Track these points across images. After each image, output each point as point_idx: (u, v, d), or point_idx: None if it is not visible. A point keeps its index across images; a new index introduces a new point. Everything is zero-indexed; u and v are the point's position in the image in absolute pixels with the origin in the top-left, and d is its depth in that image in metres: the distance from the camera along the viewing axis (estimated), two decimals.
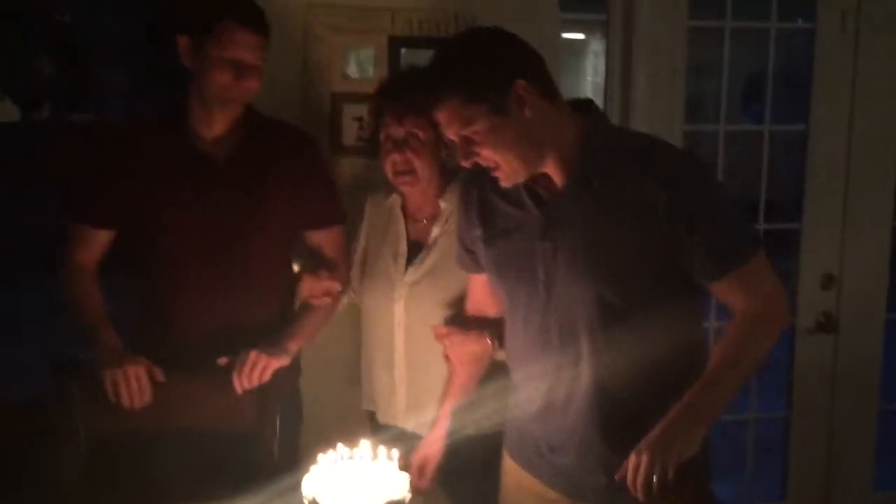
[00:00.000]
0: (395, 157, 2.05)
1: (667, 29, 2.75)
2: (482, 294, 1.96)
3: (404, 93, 2.04)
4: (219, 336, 2.03)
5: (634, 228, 1.62)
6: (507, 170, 1.64)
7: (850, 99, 2.86)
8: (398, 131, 2.04)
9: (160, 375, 1.91)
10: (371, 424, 2.26)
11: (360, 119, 2.48)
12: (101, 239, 2.09)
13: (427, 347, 2.11)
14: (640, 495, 1.49)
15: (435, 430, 2.07)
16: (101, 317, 2.03)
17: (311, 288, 2.07)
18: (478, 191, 1.81)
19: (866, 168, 2.90)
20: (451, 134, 1.64)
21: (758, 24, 2.91)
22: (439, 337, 1.99)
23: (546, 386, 1.75)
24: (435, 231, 2.13)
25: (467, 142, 1.62)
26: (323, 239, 2.17)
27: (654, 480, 1.47)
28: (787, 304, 1.72)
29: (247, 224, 2.05)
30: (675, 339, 1.68)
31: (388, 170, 2.09)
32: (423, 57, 2.50)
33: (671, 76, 2.78)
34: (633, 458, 1.51)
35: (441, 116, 1.63)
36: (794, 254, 2.94)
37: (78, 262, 2.09)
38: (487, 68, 1.59)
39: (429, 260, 2.12)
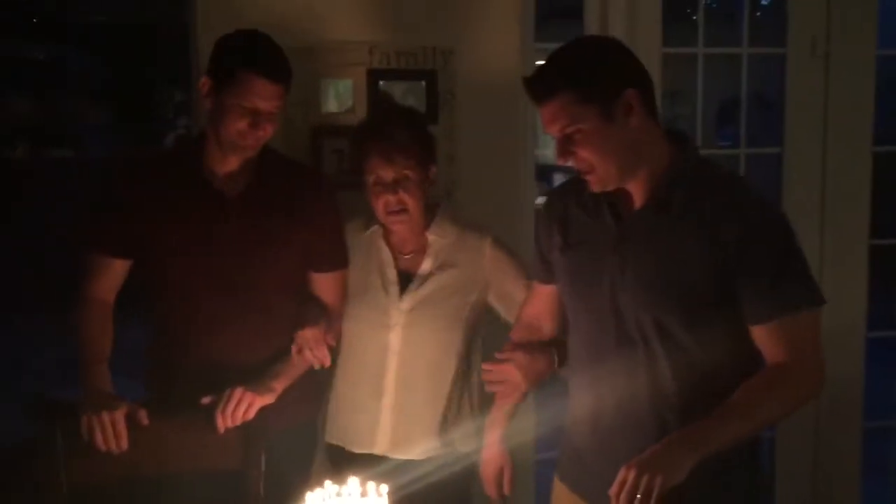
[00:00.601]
0: (389, 198, 2.06)
1: (641, 56, 2.77)
2: (542, 307, 1.96)
3: (388, 131, 2.05)
4: (226, 366, 2.02)
5: (703, 258, 1.62)
6: (601, 173, 1.66)
7: (822, 121, 2.90)
8: (388, 173, 2.05)
9: (145, 419, 1.88)
10: (341, 456, 2.21)
11: (339, 151, 2.49)
12: (117, 269, 2.09)
13: (417, 373, 2.12)
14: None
15: (491, 435, 2.03)
16: (101, 356, 2.02)
17: (310, 339, 2.03)
18: (562, 203, 1.84)
19: (842, 188, 2.94)
20: (554, 130, 1.65)
21: (730, 50, 2.96)
22: (503, 357, 1.95)
23: (601, 400, 1.75)
24: (427, 264, 2.15)
25: (568, 140, 1.64)
26: (327, 282, 2.17)
27: (637, 498, 1.47)
28: (823, 369, 1.67)
29: (257, 259, 2.05)
30: (736, 361, 1.67)
31: (380, 210, 2.10)
32: (399, 90, 2.55)
33: None
34: (622, 473, 1.52)
35: (549, 109, 1.64)
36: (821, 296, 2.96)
37: (94, 294, 2.08)
38: (604, 72, 1.63)
39: (426, 287, 2.13)
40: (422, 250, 2.16)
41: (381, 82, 2.54)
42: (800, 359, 1.62)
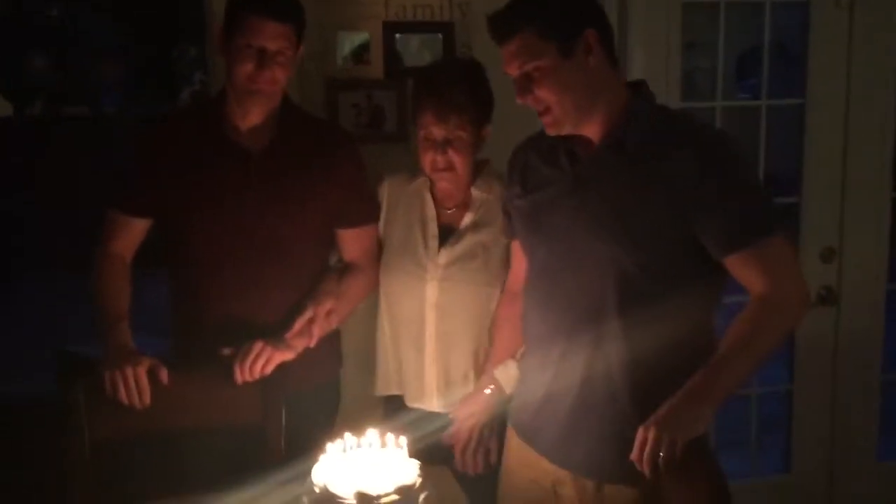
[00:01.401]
0: (437, 157, 2.05)
1: (662, 6, 2.75)
2: (519, 266, 1.97)
3: (446, 88, 2.02)
4: (250, 324, 2.03)
5: (660, 197, 1.64)
6: (558, 113, 1.68)
7: (846, 72, 2.85)
8: (439, 132, 2.03)
9: (165, 377, 1.90)
10: (388, 407, 2.24)
11: (356, 105, 2.48)
12: (137, 228, 2.11)
13: (458, 326, 2.12)
14: (646, 471, 1.50)
15: (478, 389, 2.06)
16: (121, 313, 2.03)
17: (318, 316, 2.04)
18: (524, 154, 1.88)
19: (864, 140, 2.90)
20: (513, 69, 1.68)
21: None
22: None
23: (560, 350, 1.76)
24: (467, 218, 2.14)
25: (527, 78, 1.67)
26: (354, 237, 2.17)
27: (661, 457, 1.48)
28: (806, 293, 1.69)
29: (280, 214, 2.05)
30: (694, 309, 1.71)
31: (427, 166, 2.09)
32: (416, 43, 2.53)
33: (666, 54, 2.77)
34: (640, 435, 1.53)
35: (509, 48, 1.67)
36: (795, 227, 2.94)
37: (112, 251, 2.10)
38: (565, 9, 1.67)
39: (462, 243, 2.13)
40: (465, 205, 2.15)
41: (397, 35, 2.51)
42: (778, 283, 1.63)
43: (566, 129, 1.71)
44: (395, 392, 2.24)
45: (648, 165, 1.66)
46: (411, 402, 2.19)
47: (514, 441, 1.91)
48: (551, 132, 1.73)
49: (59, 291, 7.11)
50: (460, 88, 2.02)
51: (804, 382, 3.01)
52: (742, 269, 1.65)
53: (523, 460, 1.87)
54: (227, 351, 1.96)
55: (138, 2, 10.19)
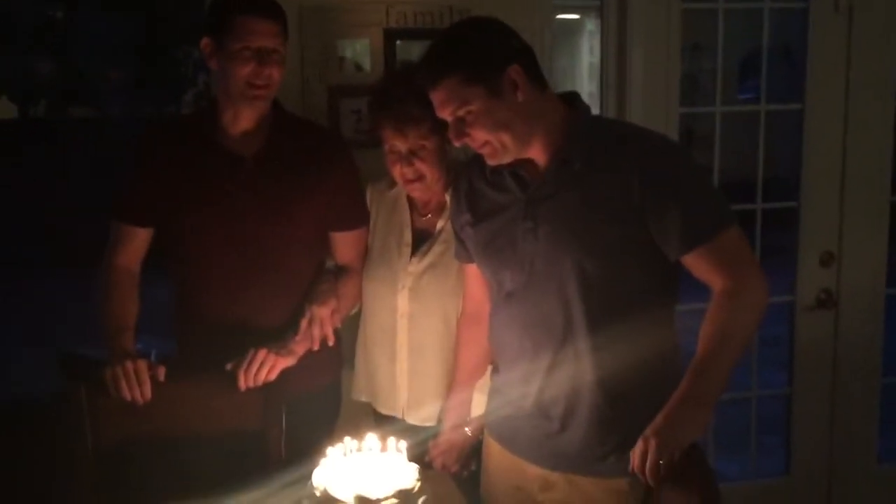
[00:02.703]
0: (405, 169, 2.06)
1: (661, 11, 2.76)
2: (477, 289, 1.99)
3: (400, 102, 2.01)
4: (248, 327, 2.06)
5: (611, 205, 1.69)
6: (496, 146, 1.72)
7: (844, 77, 2.87)
8: (402, 145, 2.04)
9: (162, 375, 1.93)
10: (374, 416, 2.27)
11: (357, 112, 2.50)
12: (140, 237, 2.14)
13: (429, 338, 2.13)
14: (649, 480, 1.53)
15: (448, 419, 2.06)
16: (124, 323, 2.06)
17: (319, 316, 2.05)
18: (467, 180, 1.90)
19: (863, 145, 2.91)
20: (445, 114, 1.72)
21: (751, 5, 2.91)
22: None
23: (529, 362, 1.80)
24: (440, 223, 2.15)
25: (461, 122, 1.71)
26: (348, 240, 2.19)
27: (662, 465, 1.51)
28: (764, 279, 1.72)
29: (273, 218, 2.08)
30: (656, 310, 1.76)
31: (397, 177, 2.10)
32: (417, 49, 2.54)
33: (666, 58, 2.79)
34: (640, 445, 1.56)
35: (438, 96, 1.71)
36: (793, 231, 2.96)
37: (117, 262, 2.12)
38: (485, 52, 1.69)
39: (433, 251, 2.14)
40: (440, 209, 2.16)
41: (397, 42, 2.53)
42: (737, 275, 1.67)
43: (506, 160, 1.74)
44: (364, 399, 2.27)
45: (597, 177, 1.70)
46: (382, 410, 2.22)
47: (493, 448, 1.94)
48: (493, 163, 1.76)
49: (62, 291, 7.15)
50: (416, 100, 1.95)
51: (804, 385, 3.02)
52: (701, 264, 1.69)
53: (505, 466, 1.90)
54: (229, 366, 1.98)
55: (142, 4, 10.23)
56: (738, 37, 3.18)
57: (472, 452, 2.03)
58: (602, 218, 1.69)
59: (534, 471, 1.84)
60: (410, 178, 2.07)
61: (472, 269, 1.98)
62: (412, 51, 2.54)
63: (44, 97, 10.76)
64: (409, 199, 2.20)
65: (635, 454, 1.56)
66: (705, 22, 2.94)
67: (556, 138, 1.73)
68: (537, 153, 1.75)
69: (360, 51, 2.53)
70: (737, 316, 1.67)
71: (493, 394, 1.96)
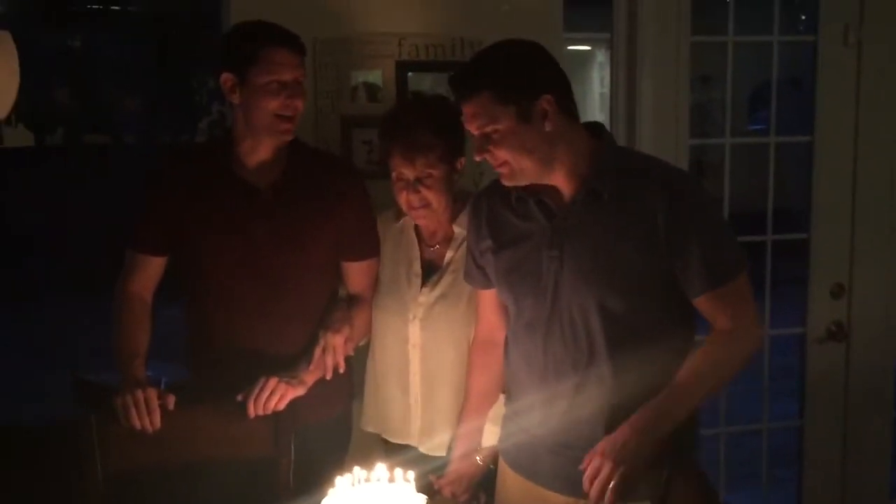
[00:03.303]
0: (411, 197, 2.08)
1: (670, 44, 2.78)
2: (492, 317, 2.00)
3: (410, 130, 2.04)
4: (261, 356, 2.07)
5: (638, 240, 1.71)
6: (514, 168, 1.74)
7: (854, 109, 2.88)
8: (409, 172, 2.06)
9: (172, 404, 1.93)
10: (386, 446, 2.26)
11: (369, 142, 2.53)
12: (154, 265, 2.16)
13: (441, 367, 2.13)
14: (593, 496, 1.58)
15: (458, 448, 2.05)
16: (138, 353, 2.07)
17: (332, 345, 2.05)
18: (487, 205, 1.90)
19: (873, 176, 2.92)
20: (473, 128, 1.75)
21: (760, 38, 2.94)
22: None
23: (549, 393, 1.80)
24: (449, 254, 2.16)
25: (485, 138, 1.73)
26: (360, 270, 2.20)
27: (610, 490, 1.56)
28: (761, 328, 1.82)
29: (288, 249, 2.09)
30: (677, 342, 1.78)
31: (403, 205, 2.11)
32: (429, 81, 2.57)
33: (676, 90, 2.81)
34: (595, 462, 1.61)
35: (469, 108, 1.73)
36: (804, 263, 2.95)
37: (131, 290, 2.14)
38: (522, 76, 1.72)
39: (444, 281, 2.14)
40: (447, 241, 2.17)
41: (409, 73, 2.56)
42: (740, 321, 1.74)
43: (522, 183, 1.77)
44: (372, 429, 2.27)
45: (624, 208, 1.73)
46: (393, 439, 2.21)
47: (509, 476, 1.93)
48: (508, 184, 1.79)
49: (75, 314, 7.19)
50: (425, 128, 2.03)
51: (816, 418, 3.00)
52: (709, 306, 1.73)
53: (523, 495, 1.89)
54: (240, 397, 1.98)
55: (159, 33, 10.35)
56: (749, 68, 3.20)
57: (483, 482, 2.02)
58: (628, 249, 1.71)
59: (556, 499, 1.83)
60: (416, 205, 2.08)
61: (486, 296, 1.99)
62: (423, 82, 2.57)
63: (60, 125, 10.86)
64: (417, 230, 2.21)
65: (586, 472, 1.61)
66: (715, 54, 2.96)
67: (580, 167, 1.75)
68: (561, 181, 1.77)
69: (373, 82, 2.56)
70: (728, 358, 1.75)
71: (507, 421, 1.96)
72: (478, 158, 1.77)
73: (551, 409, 1.80)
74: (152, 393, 1.92)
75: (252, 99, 2.02)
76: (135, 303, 2.13)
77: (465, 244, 2.11)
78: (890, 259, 2.96)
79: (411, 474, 1.67)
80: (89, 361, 4.07)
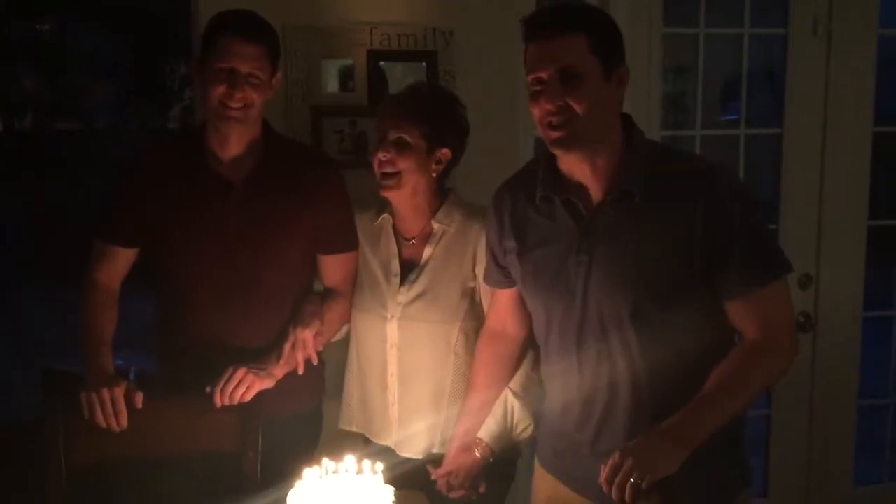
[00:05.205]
0: (381, 155, 2.07)
1: (642, 35, 2.79)
2: (504, 312, 1.98)
3: (407, 98, 2.10)
4: (228, 347, 2.05)
5: (674, 242, 1.64)
6: (580, 125, 1.63)
7: (823, 101, 2.90)
8: (392, 134, 2.06)
9: (140, 402, 1.91)
10: (365, 445, 2.23)
11: (340, 132, 2.52)
12: (124, 258, 2.14)
13: (417, 368, 2.12)
14: (614, 496, 1.53)
15: (457, 440, 2.04)
16: (105, 341, 2.05)
17: (302, 340, 2.03)
18: (510, 204, 1.84)
19: (841, 169, 2.95)
20: (553, 67, 1.62)
21: (731, 31, 2.96)
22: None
23: (584, 394, 1.77)
24: (427, 251, 2.14)
25: (565, 81, 1.61)
26: (337, 264, 2.18)
27: (629, 487, 1.50)
28: (796, 342, 1.71)
29: (262, 244, 2.07)
30: (711, 348, 1.69)
31: (376, 169, 2.10)
32: (400, 70, 2.56)
33: (648, 82, 2.81)
34: (617, 458, 1.54)
35: (557, 45, 1.62)
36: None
37: (99, 280, 2.12)
38: (616, 36, 1.69)
39: (421, 280, 2.13)
40: (425, 238, 2.15)
41: (381, 63, 2.55)
42: (773, 331, 1.65)
43: (575, 148, 1.67)
44: (355, 429, 2.25)
45: (658, 209, 1.65)
46: (375, 440, 2.20)
47: (546, 480, 1.90)
48: (561, 148, 1.67)
49: (45, 304, 7.11)
50: (418, 103, 2.07)
51: (782, 407, 3.04)
52: (740, 313, 1.66)
53: (557, 499, 1.86)
54: (209, 389, 1.97)
55: (129, 19, 10.24)
56: (724, 58, 3.21)
57: (482, 474, 2.01)
58: (663, 252, 1.64)
59: (573, 498, 1.81)
60: (386, 169, 2.06)
61: (502, 294, 1.95)
62: (395, 72, 2.56)
63: (30, 111, 10.74)
64: (395, 229, 2.20)
65: (607, 466, 1.54)
66: (684, 46, 2.98)
67: (612, 161, 1.68)
68: (593, 178, 1.70)
69: (344, 71, 2.54)
70: (756, 372, 1.65)
71: (544, 426, 1.92)
72: (545, 103, 1.63)
73: (588, 413, 1.77)
74: (119, 393, 1.89)
75: (205, 85, 2.01)
76: (103, 293, 2.11)
77: (443, 240, 2.12)
78: (857, 250, 3.00)
79: (379, 465, 1.67)
80: (59, 352, 4.03)
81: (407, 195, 2.11)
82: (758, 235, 1.67)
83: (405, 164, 2.06)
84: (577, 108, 1.62)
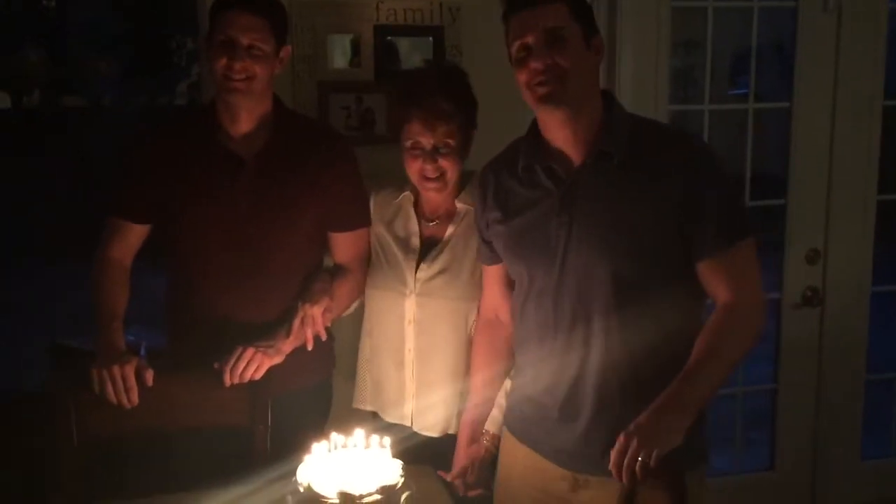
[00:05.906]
0: (426, 166, 2.04)
1: (651, 9, 2.77)
2: (496, 295, 1.99)
3: (433, 97, 2.02)
4: (237, 324, 2.06)
5: (653, 204, 1.69)
6: (566, 83, 1.69)
7: (833, 75, 2.88)
8: (427, 141, 2.03)
9: (150, 379, 1.92)
10: (376, 423, 2.21)
11: (347, 108, 2.51)
12: (136, 233, 2.14)
13: (436, 344, 2.12)
14: (624, 478, 1.54)
15: (463, 434, 2.03)
16: (117, 316, 2.05)
17: (311, 316, 2.04)
18: (494, 178, 1.88)
19: (850, 143, 2.93)
20: (539, 29, 1.70)
21: (740, 4, 2.93)
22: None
23: (557, 361, 1.78)
24: (450, 230, 2.14)
25: (551, 42, 1.69)
26: (347, 240, 2.18)
27: (638, 467, 1.52)
28: (764, 300, 1.77)
29: (272, 222, 2.08)
30: (684, 314, 1.75)
31: (414, 175, 2.08)
32: (407, 45, 2.55)
33: (656, 56, 2.80)
34: (622, 441, 1.56)
35: (543, 10, 1.70)
36: (781, 229, 2.97)
37: (111, 256, 2.13)
38: (591, 10, 1.80)
39: (442, 257, 2.12)
40: (449, 217, 2.15)
41: (388, 38, 2.54)
42: (745, 291, 1.70)
43: (563, 105, 1.71)
44: (368, 408, 2.25)
45: (637, 171, 1.70)
46: (390, 418, 2.19)
47: (514, 447, 1.91)
48: (549, 104, 1.71)
49: (56, 281, 7.14)
50: (445, 95, 2.01)
51: (789, 382, 3.05)
52: (710, 274, 1.71)
53: (528, 465, 1.87)
54: (217, 365, 1.98)
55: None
56: (734, 32, 3.19)
57: (490, 466, 2.00)
58: (642, 213, 1.68)
59: (556, 472, 1.82)
60: (431, 175, 2.05)
61: (492, 273, 1.97)
62: (402, 46, 2.55)
63: (37, 87, 10.73)
64: (416, 206, 2.19)
65: (614, 451, 1.55)
66: (694, 20, 2.95)
67: (593, 128, 1.74)
68: (574, 144, 1.75)
69: (350, 46, 2.53)
70: (735, 332, 1.69)
71: (515, 392, 1.93)
72: (535, 63, 1.69)
73: (559, 377, 1.78)
74: (130, 370, 1.90)
75: (209, 58, 2.02)
76: (115, 268, 2.12)
77: (466, 220, 2.11)
78: (865, 224, 2.99)
79: (387, 440, 1.68)
80: (66, 329, 4.05)
81: (448, 189, 2.11)
82: (731, 199, 1.73)
83: (450, 165, 2.06)
84: (564, 64, 1.69)
